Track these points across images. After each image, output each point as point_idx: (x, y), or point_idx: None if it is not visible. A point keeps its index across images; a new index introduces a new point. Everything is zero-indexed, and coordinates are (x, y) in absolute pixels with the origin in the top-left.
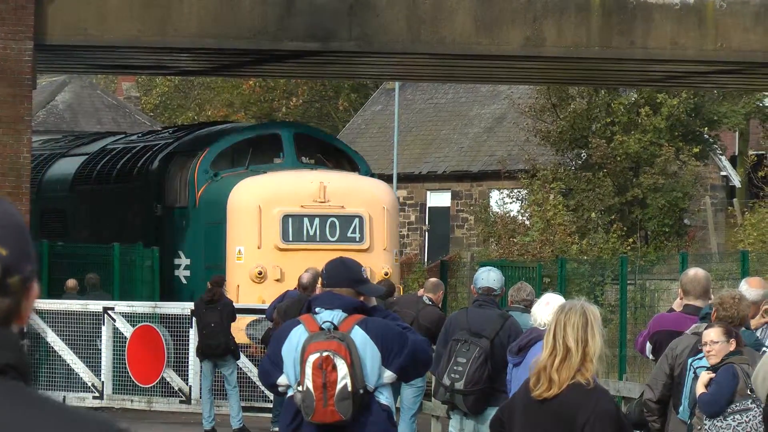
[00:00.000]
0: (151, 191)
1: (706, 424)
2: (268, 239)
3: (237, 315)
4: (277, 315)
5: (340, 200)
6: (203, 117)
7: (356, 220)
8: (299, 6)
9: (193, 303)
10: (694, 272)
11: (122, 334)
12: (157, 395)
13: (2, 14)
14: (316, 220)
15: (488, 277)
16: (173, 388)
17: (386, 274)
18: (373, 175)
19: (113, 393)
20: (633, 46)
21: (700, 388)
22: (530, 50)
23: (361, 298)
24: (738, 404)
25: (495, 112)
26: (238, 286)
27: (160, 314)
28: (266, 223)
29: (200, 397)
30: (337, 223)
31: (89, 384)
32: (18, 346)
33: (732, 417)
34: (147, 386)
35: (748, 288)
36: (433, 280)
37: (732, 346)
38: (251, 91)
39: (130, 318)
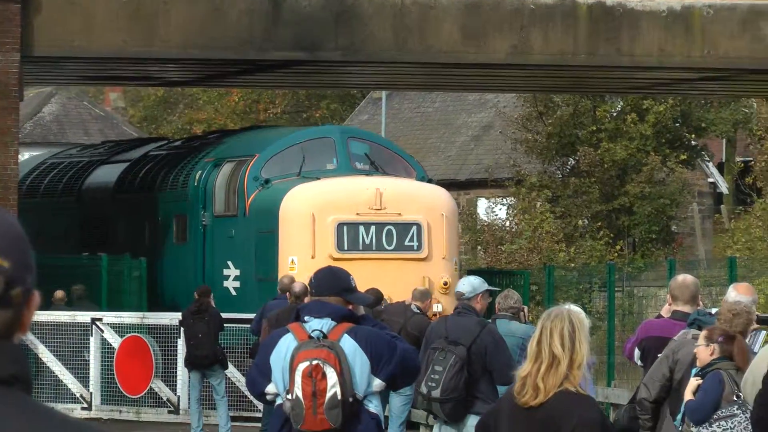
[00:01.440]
0: (197, 200)
1: (693, 431)
2: (323, 248)
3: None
4: (267, 324)
5: (397, 207)
6: (188, 131)
7: (414, 228)
8: (285, 16)
9: (180, 313)
10: (683, 278)
11: (110, 344)
12: (145, 406)
13: None
14: (373, 228)
15: (460, 282)
16: (162, 399)
17: (445, 283)
18: (430, 181)
19: (102, 404)
20: (620, 53)
21: (688, 395)
22: (517, 58)
23: (350, 307)
24: (724, 411)
25: (482, 120)
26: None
27: (148, 325)
28: (320, 231)
29: (189, 408)
30: (394, 231)
31: (77, 395)
32: (22, 357)
33: (717, 423)
34: (135, 397)
35: (737, 294)
36: (420, 288)
37: (710, 351)
38: (235, 105)
39: (118, 329)
